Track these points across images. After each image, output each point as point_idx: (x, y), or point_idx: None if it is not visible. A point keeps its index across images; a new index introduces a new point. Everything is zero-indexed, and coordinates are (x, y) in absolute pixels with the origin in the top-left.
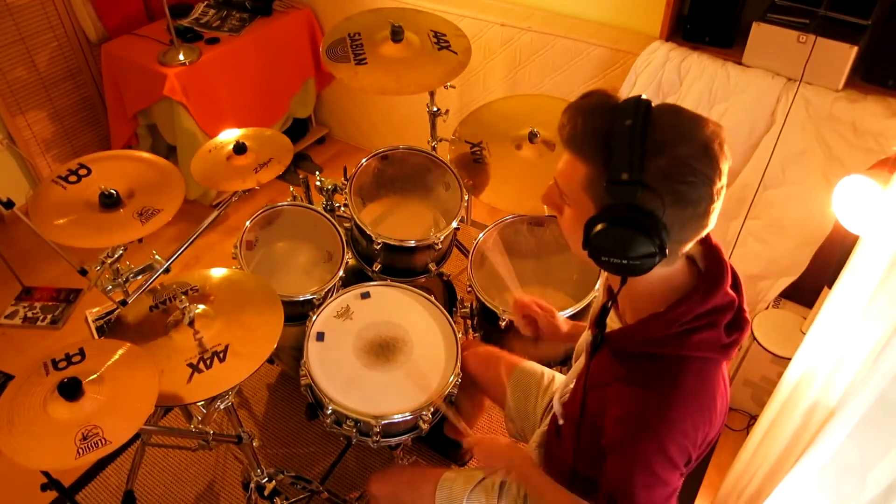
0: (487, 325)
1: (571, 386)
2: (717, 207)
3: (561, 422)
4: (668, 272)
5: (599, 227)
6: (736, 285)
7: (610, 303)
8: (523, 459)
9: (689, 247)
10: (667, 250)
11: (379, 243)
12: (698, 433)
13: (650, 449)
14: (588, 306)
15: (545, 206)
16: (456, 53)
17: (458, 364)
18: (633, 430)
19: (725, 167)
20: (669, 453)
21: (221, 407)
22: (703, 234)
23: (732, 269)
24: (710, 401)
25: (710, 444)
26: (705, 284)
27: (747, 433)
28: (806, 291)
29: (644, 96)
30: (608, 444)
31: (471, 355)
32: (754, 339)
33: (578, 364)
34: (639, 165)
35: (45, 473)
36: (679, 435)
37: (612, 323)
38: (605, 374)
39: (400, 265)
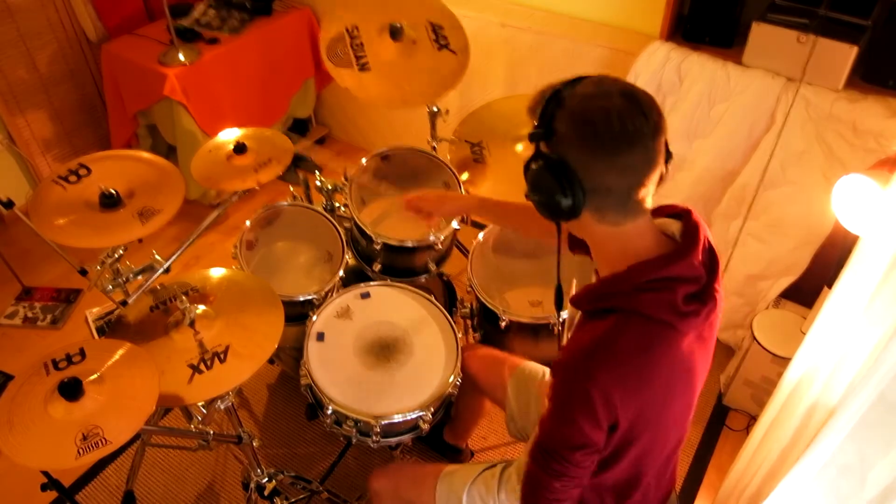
0: (487, 326)
1: None
2: (639, 156)
3: None
4: (624, 233)
5: (526, 169)
6: (712, 266)
7: (594, 278)
8: (470, 196)
9: (629, 199)
10: (579, 192)
11: (379, 243)
12: (632, 392)
13: (577, 388)
14: None
15: None
16: (455, 53)
17: (459, 364)
18: (568, 372)
19: (638, 117)
20: (592, 400)
21: (222, 407)
22: (637, 185)
23: (713, 250)
24: (651, 362)
25: (653, 420)
26: (671, 253)
27: (747, 433)
28: (806, 291)
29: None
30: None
31: (472, 357)
32: (754, 339)
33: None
34: (552, 115)
35: (45, 473)
36: (608, 383)
37: None
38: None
39: (400, 265)
